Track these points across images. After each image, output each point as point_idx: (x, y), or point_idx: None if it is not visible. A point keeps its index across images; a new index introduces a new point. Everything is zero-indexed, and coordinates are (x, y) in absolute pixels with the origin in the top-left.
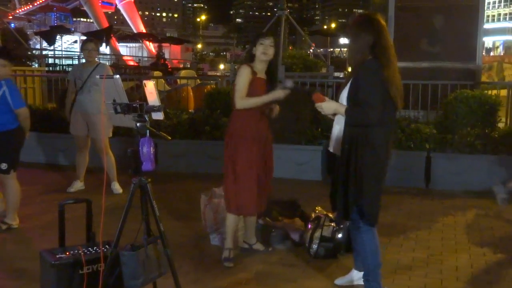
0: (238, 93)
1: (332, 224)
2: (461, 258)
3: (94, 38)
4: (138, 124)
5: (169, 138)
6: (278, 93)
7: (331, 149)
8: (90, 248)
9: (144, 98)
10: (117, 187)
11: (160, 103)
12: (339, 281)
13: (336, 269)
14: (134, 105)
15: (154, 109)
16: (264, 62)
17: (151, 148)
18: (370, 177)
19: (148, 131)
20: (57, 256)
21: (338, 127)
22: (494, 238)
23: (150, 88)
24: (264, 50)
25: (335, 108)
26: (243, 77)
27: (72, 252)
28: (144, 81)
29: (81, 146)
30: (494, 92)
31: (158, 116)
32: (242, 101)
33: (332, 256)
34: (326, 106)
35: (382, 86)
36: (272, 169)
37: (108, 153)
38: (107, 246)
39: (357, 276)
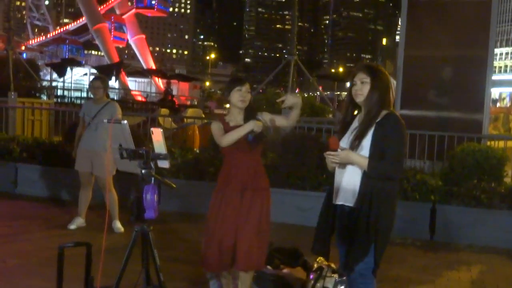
0: (216, 138)
1: (335, 276)
2: None
3: (103, 74)
4: (143, 171)
5: (174, 186)
6: (251, 124)
7: (339, 201)
8: None
9: (150, 138)
10: (118, 226)
11: (167, 151)
12: None
13: None
14: (140, 151)
15: (160, 157)
16: (240, 109)
17: (155, 196)
18: (388, 229)
19: (153, 178)
20: None
21: (347, 177)
22: None
23: (157, 135)
24: (241, 98)
25: (354, 159)
26: (215, 133)
27: None
28: (152, 129)
29: (84, 182)
30: (501, 143)
31: (164, 164)
32: (220, 139)
33: None
34: (344, 155)
35: (406, 145)
36: (249, 225)
37: (111, 191)
38: None
39: None
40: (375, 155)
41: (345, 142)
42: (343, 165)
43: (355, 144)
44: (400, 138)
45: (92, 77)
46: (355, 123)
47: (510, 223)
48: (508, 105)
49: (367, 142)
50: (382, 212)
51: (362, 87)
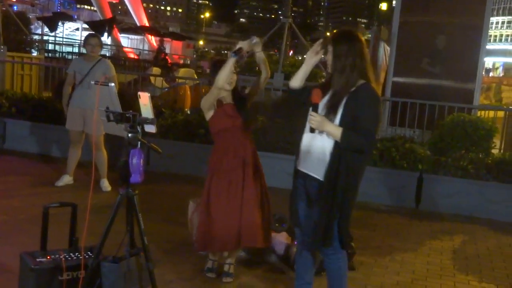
0: (206, 96)
1: None
2: (446, 284)
3: (95, 30)
4: (129, 135)
5: (160, 151)
6: (240, 43)
7: (304, 169)
8: (72, 254)
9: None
10: (106, 185)
11: (154, 115)
12: None
13: (319, 286)
14: (127, 115)
15: (147, 121)
16: (228, 91)
17: (141, 160)
18: (353, 202)
19: (139, 142)
20: (38, 260)
21: (316, 145)
22: (480, 266)
23: (144, 100)
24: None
25: (328, 129)
26: (206, 97)
27: (53, 256)
28: (139, 93)
29: (75, 141)
30: (492, 114)
31: (151, 129)
32: (212, 89)
33: (316, 273)
34: (320, 121)
35: (381, 116)
36: (250, 202)
37: (101, 149)
38: (89, 252)
39: None
40: (347, 126)
41: (322, 104)
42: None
43: (329, 117)
44: (374, 111)
45: (85, 33)
46: (326, 97)
47: (495, 194)
48: (501, 75)
49: (339, 111)
50: (349, 186)
51: (327, 57)
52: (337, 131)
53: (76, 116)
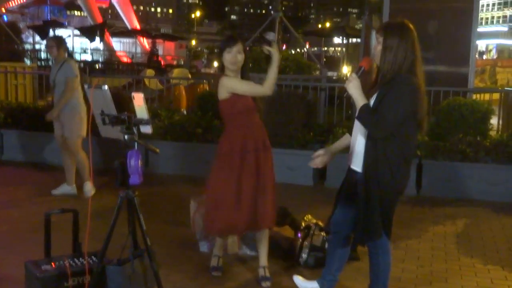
0: (251, 90)
1: (322, 234)
2: (451, 269)
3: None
4: (126, 137)
5: (157, 151)
6: (276, 56)
7: (351, 165)
8: (76, 260)
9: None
10: (88, 188)
11: (149, 116)
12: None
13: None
14: (122, 117)
15: (142, 122)
16: (234, 71)
17: (139, 161)
18: (392, 196)
19: (136, 143)
20: (43, 268)
21: (357, 141)
22: (484, 248)
23: (139, 100)
24: (232, 59)
25: (355, 95)
26: (244, 86)
27: (57, 263)
28: (133, 94)
29: (60, 146)
30: (487, 96)
31: (147, 129)
32: (258, 88)
33: (322, 266)
34: (352, 83)
35: (410, 108)
36: (266, 184)
37: (78, 153)
38: (93, 257)
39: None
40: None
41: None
42: (356, 131)
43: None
44: (397, 100)
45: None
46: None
47: (495, 176)
48: (495, 57)
49: (372, 101)
50: (384, 178)
51: (376, 47)
52: (360, 102)
53: (55, 120)
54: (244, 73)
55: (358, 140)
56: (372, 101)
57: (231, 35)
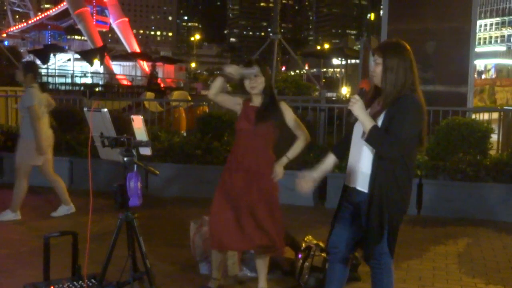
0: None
1: (323, 254)
2: None
3: (86, 59)
4: (125, 159)
5: (157, 172)
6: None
7: (351, 183)
8: (75, 282)
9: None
10: (8, 217)
11: (148, 138)
12: None
13: None
14: (122, 139)
15: (142, 144)
16: (255, 94)
17: (138, 183)
18: (399, 215)
19: (135, 165)
20: None
21: (360, 159)
22: (486, 268)
23: (138, 123)
24: (251, 84)
25: (361, 115)
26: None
27: (56, 286)
28: (132, 116)
29: (42, 173)
30: (486, 115)
31: (146, 151)
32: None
33: (323, 287)
34: (357, 105)
35: (419, 126)
36: (263, 203)
37: (20, 179)
38: (92, 280)
39: None
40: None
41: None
42: (357, 147)
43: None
44: (407, 119)
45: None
46: (376, 106)
47: (496, 195)
48: (494, 76)
49: (380, 118)
50: (394, 198)
51: (375, 69)
52: (369, 123)
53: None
54: (267, 95)
55: (362, 160)
56: (379, 122)
57: (249, 59)
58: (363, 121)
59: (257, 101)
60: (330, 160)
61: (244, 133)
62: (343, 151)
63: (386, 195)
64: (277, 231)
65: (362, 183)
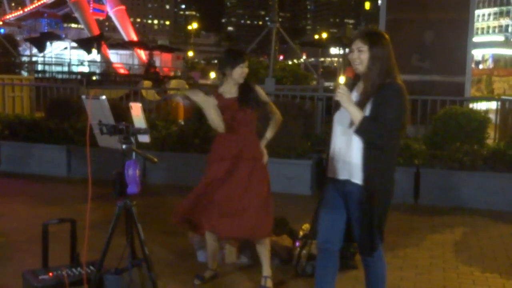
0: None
1: None
2: (449, 277)
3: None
4: (123, 146)
5: (155, 160)
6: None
7: (340, 175)
8: (73, 269)
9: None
10: None
11: (147, 125)
12: None
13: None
14: (120, 127)
15: (140, 131)
16: (238, 83)
17: (137, 170)
18: (389, 205)
19: (133, 153)
20: (40, 277)
21: (356, 152)
22: (483, 256)
23: (136, 110)
24: (243, 74)
25: (350, 109)
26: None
27: (55, 273)
28: (131, 104)
29: None
30: (483, 105)
31: (145, 139)
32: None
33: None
34: (345, 96)
35: (404, 113)
36: (254, 191)
37: None
38: (91, 267)
39: None
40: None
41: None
42: (344, 135)
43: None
44: (394, 107)
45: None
46: (354, 93)
47: (493, 184)
48: (491, 66)
49: (366, 108)
50: (385, 188)
51: (359, 56)
52: (358, 114)
53: None
54: (243, 84)
55: (353, 151)
56: (366, 111)
57: (242, 52)
58: (352, 113)
59: (233, 89)
60: None
61: (233, 124)
62: None
63: (379, 184)
64: (269, 213)
65: (355, 175)
